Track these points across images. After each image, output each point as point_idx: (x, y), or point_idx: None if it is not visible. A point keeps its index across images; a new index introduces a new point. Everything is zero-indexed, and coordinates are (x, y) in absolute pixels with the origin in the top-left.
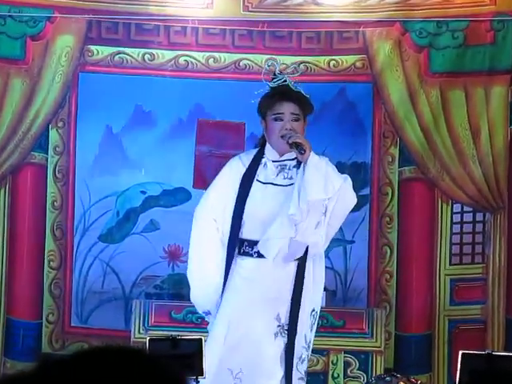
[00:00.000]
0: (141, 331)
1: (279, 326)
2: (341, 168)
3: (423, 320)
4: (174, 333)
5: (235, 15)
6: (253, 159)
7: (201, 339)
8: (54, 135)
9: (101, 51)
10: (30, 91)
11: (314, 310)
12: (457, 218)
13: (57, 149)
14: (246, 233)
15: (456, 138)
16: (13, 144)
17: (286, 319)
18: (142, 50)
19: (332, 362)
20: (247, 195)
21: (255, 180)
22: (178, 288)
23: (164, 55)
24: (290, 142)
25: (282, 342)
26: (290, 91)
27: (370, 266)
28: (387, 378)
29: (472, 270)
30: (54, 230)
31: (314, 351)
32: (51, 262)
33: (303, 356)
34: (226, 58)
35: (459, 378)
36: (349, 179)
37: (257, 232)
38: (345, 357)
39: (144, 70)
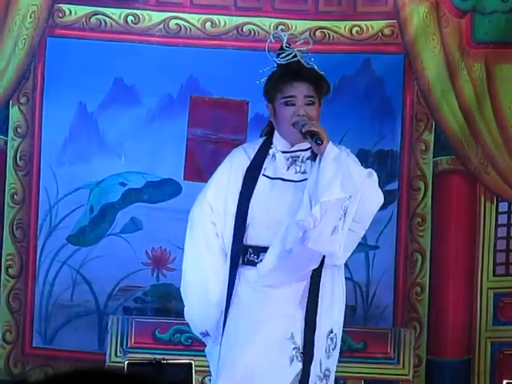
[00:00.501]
0: (118, 354)
1: (295, 348)
2: (364, 157)
3: (461, 343)
4: (158, 356)
5: None
6: (258, 150)
7: (191, 364)
8: (15, 114)
9: (74, 11)
10: None
11: (331, 332)
12: (503, 219)
13: (18, 130)
14: (252, 238)
15: (503, 122)
16: None
17: (302, 340)
18: (125, 11)
19: None
20: (252, 193)
21: (261, 175)
22: (164, 301)
23: (151, 17)
24: (304, 130)
25: (298, 367)
26: (303, 69)
27: (398, 277)
28: None
29: None
30: (13, 229)
31: None
32: (9, 269)
33: None
34: (227, 21)
35: None
36: (374, 175)
37: (264, 237)
38: None
39: (126, 36)
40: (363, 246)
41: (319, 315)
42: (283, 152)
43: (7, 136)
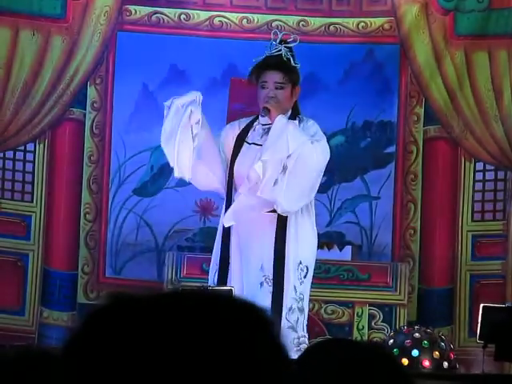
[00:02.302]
0: (173, 282)
1: (264, 276)
2: (368, 126)
3: (446, 274)
4: (205, 284)
5: None
6: (248, 123)
7: (231, 289)
8: (92, 92)
9: (138, 11)
10: (70, 49)
11: (301, 263)
12: (479, 176)
13: (94, 105)
14: (237, 186)
15: (479, 98)
16: (52, 100)
17: (270, 270)
18: (178, 11)
19: (357, 314)
20: (237, 156)
21: (244, 141)
22: (209, 241)
23: (199, 15)
24: (261, 107)
25: (267, 291)
26: (277, 60)
27: (395, 222)
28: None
29: (493, 227)
30: (90, 183)
31: (340, 303)
32: (87, 215)
33: (293, 306)
34: (259, 18)
35: (480, 330)
36: (320, 143)
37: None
38: (369, 309)
39: (180, 30)
40: (367, 197)
41: (287, 249)
42: (263, 124)
43: (85, 110)
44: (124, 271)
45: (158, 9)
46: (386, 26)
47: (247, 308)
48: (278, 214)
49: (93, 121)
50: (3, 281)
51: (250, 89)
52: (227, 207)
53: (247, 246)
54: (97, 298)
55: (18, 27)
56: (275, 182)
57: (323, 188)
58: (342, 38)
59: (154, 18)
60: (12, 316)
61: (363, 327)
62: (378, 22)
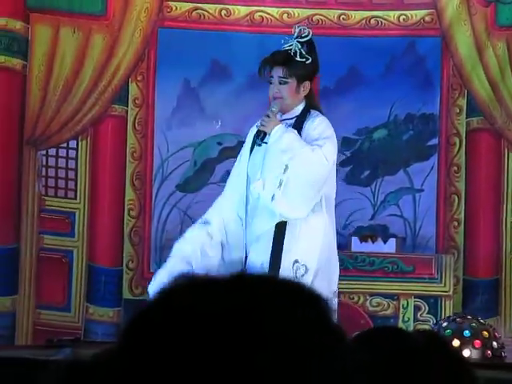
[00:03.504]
0: None
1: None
2: (410, 119)
3: (490, 265)
4: None
5: None
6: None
7: None
8: (133, 88)
9: (179, 7)
10: (111, 46)
11: (297, 262)
12: None
13: (136, 101)
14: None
15: None
16: (94, 97)
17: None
18: (219, 6)
19: (402, 306)
20: (249, 156)
21: (256, 141)
22: None
23: (240, 11)
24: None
25: None
26: (281, 55)
27: (439, 214)
28: (458, 319)
29: None
30: (133, 179)
31: (385, 296)
32: (131, 211)
33: None
34: (300, 13)
35: None
36: (322, 148)
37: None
38: (415, 301)
39: (220, 26)
40: (411, 189)
41: (284, 249)
42: None
43: (127, 106)
44: None
45: (199, 5)
46: (428, 19)
47: (310, 292)
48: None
49: (135, 117)
50: (49, 277)
51: None
52: (245, 205)
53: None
54: (142, 294)
55: (58, 25)
56: (272, 198)
57: (366, 181)
58: (383, 31)
59: (194, 13)
60: (58, 312)
61: (408, 319)
62: (419, 14)
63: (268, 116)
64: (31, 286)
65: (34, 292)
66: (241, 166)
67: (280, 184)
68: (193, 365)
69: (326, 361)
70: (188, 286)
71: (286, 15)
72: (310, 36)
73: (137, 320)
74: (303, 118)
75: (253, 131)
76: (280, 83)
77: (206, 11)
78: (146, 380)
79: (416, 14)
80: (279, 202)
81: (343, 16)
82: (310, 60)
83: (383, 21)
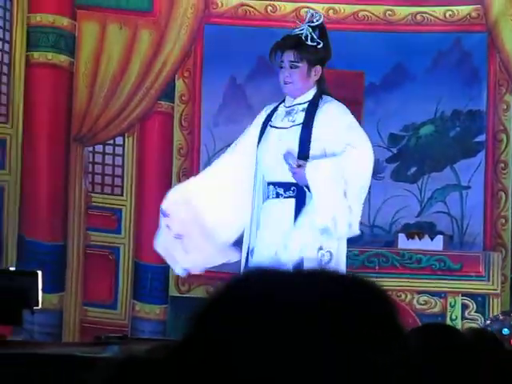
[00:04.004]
0: None
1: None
2: (456, 116)
3: None
4: None
5: None
6: (274, 107)
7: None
8: (180, 85)
9: (225, 3)
10: (158, 42)
11: (321, 249)
12: None
13: (183, 98)
14: (265, 176)
15: None
16: (141, 93)
17: (285, 257)
18: (265, 2)
19: (450, 305)
20: (260, 140)
21: (268, 125)
22: None
23: (286, 7)
24: (282, 88)
25: None
26: (292, 40)
27: (486, 211)
28: (501, 318)
29: None
30: (180, 176)
31: (433, 294)
32: None
33: None
34: (346, 9)
35: None
36: (359, 149)
37: (268, 175)
38: (462, 299)
39: (267, 22)
40: (458, 186)
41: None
42: (286, 106)
43: (174, 102)
44: None
45: (245, 1)
46: (474, 14)
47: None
48: (297, 200)
49: (181, 114)
50: (96, 274)
51: (337, 79)
52: (254, 193)
53: (270, 232)
54: (188, 291)
55: (105, 22)
56: (349, 226)
57: (413, 178)
58: (429, 26)
59: (240, 10)
60: (105, 310)
61: (456, 317)
62: (465, 10)
63: (293, 172)
64: (78, 283)
65: (80, 289)
66: (248, 145)
67: (351, 210)
68: (273, 356)
69: (391, 353)
70: (262, 277)
71: (331, 11)
72: (321, 20)
73: (210, 310)
74: (316, 101)
75: (259, 116)
76: (291, 67)
77: (252, 7)
78: (222, 373)
79: (462, 10)
80: (356, 225)
81: (389, 12)
82: (321, 44)
83: (429, 16)
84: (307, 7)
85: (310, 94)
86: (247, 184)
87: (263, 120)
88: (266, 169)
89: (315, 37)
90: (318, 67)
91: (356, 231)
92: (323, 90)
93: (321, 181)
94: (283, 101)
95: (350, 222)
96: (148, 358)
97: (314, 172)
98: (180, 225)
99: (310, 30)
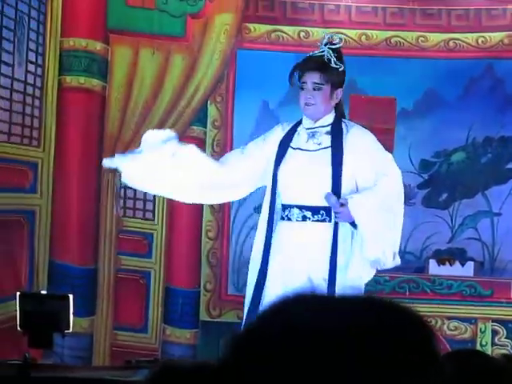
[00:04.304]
0: None
1: (312, 287)
2: (488, 142)
3: None
4: None
5: None
6: (292, 127)
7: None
8: (212, 110)
9: (258, 29)
10: (190, 67)
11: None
12: None
13: (215, 123)
14: (284, 198)
15: None
16: (173, 118)
17: (319, 281)
18: (298, 28)
19: (480, 330)
20: (281, 161)
21: (289, 146)
22: None
23: (318, 33)
24: (302, 109)
25: None
26: (316, 61)
27: None
28: None
29: None
30: None
31: (463, 319)
32: (209, 233)
33: None
34: (378, 35)
35: None
36: (390, 176)
37: (290, 197)
38: (492, 325)
39: (299, 47)
40: (489, 213)
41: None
42: (307, 129)
43: (206, 127)
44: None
45: (278, 26)
46: (506, 41)
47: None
48: (334, 224)
49: (213, 139)
50: (126, 298)
51: (369, 105)
52: (271, 214)
53: (290, 256)
54: (219, 316)
55: (138, 46)
56: (394, 256)
57: (444, 204)
58: (462, 53)
59: (273, 35)
60: (135, 334)
61: (486, 343)
62: (497, 36)
63: (338, 212)
64: (109, 306)
65: (111, 313)
66: (259, 158)
67: (395, 240)
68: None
69: (427, 379)
70: (302, 302)
71: (364, 37)
72: (341, 44)
73: (249, 336)
74: (338, 125)
75: (273, 133)
76: (314, 89)
77: (285, 33)
78: None
79: (495, 37)
80: (397, 255)
81: (421, 38)
82: (342, 67)
83: (462, 43)
84: (340, 33)
85: (330, 117)
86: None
87: (280, 139)
88: (289, 191)
89: (335, 59)
90: (340, 90)
91: (398, 261)
92: (342, 113)
93: (366, 216)
94: (299, 122)
95: (394, 252)
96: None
97: (358, 208)
98: None
99: (331, 53)
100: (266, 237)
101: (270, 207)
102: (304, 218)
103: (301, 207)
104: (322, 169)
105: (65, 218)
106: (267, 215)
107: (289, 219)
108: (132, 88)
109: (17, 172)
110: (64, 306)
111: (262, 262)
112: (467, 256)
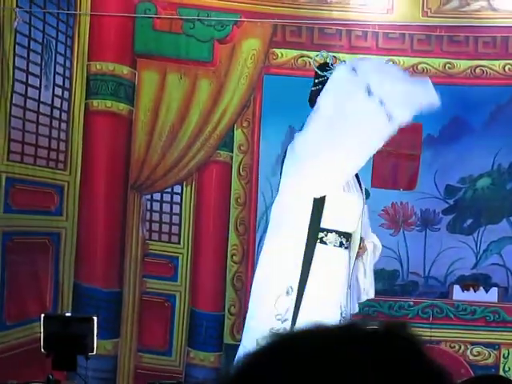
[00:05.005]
0: None
1: (342, 314)
2: None
3: None
4: None
5: (414, 20)
6: None
7: None
8: (238, 134)
9: (285, 54)
10: (217, 92)
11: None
12: None
13: (241, 148)
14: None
15: None
16: (199, 142)
17: (347, 308)
18: (324, 54)
19: (503, 356)
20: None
21: None
22: None
23: (345, 58)
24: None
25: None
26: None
27: None
28: None
29: None
30: (237, 225)
31: (486, 345)
32: (234, 256)
33: None
34: (405, 61)
35: None
36: None
37: (331, 221)
38: None
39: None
40: None
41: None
42: None
43: (232, 152)
44: None
45: (304, 52)
46: None
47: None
48: (349, 249)
49: (240, 163)
50: (151, 321)
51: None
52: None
53: (324, 282)
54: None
55: (165, 71)
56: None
57: (469, 230)
58: (488, 80)
59: (300, 60)
60: (160, 356)
61: (509, 369)
62: None
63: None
64: (133, 329)
65: (135, 335)
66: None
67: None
68: None
69: None
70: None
71: (391, 63)
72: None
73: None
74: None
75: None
76: None
77: (311, 58)
78: None
79: None
80: None
81: (448, 65)
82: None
83: (488, 70)
84: (366, 58)
85: None
86: None
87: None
88: (331, 215)
89: None
90: None
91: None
92: None
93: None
94: None
95: None
96: None
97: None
98: None
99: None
100: (306, 260)
101: (310, 230)
102: (341, 245)
103: (340, 233)
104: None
105: (90, 240)
106: (306, 238)
107: (323, 243)
108: (159, 112)
109: (43, 194)
110: (88, 329)
111: (299, 285)
112: (491, 282)
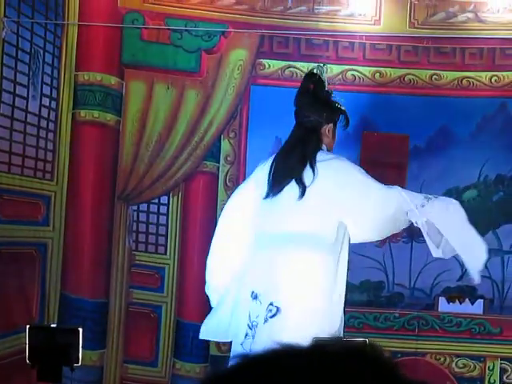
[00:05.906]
0: None
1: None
2: (500, 180)
3: None
4: None
5: (401, 31)
6: None
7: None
8: (225, 145)
9: (272, 65)
10: (204, 102)
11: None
12: None
13: (228, 158)
14: None
15: None
16: (186, 153)
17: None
18: (311, 64)
19: (488, 369)
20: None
21: None
22: None
23: (332, 69)
24: None
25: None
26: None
27: None
28: None
29: None
30: None
31: (472, 357)
32: None
33: None
34: (392, 72)
35: None
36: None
37: None
38: (501, 363)
39: None
40: (499, 251)
41: None
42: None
43: (219, 163)
44: None
45: (292, 63)
46: None
47: None
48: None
49: (226, 174)
50: (138, 332)
51: (382, 142)
52: None
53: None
54: (229, 351)
55: (153, 81)
56: None
57: None
58: (475, 91)
59: (287, 71)
60: (145, 367)
61: (494, 381)
62: (510, 75)
63: None
64: (119, 340)
65: (121, 346)
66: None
67: None
68: None
69: None
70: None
71: (378, 74)
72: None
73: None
74: None
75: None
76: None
77: (299, 69)
78: None
79: (508, 75)
80: None
81: (435, 76)
82: None
83: (475, 81)
84: (353, 70)
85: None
86: None
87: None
88: None
89: None
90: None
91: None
92: None
93: None
94: None
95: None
96: None
97: None
98: None
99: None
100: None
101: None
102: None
103: None
104: None
105: (77, 251)
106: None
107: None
108: (146, 122)
109: (29, 205)
110: (73, 340)
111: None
112: (477, 294)
